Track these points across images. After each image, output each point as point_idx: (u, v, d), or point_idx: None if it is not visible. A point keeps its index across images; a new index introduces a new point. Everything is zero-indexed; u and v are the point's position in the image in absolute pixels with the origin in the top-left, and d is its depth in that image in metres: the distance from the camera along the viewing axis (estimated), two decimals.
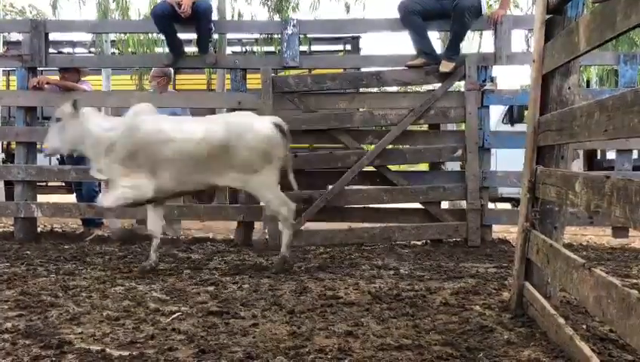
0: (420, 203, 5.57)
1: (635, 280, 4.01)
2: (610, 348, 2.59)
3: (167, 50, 5.91)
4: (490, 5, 8.12)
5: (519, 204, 3.24)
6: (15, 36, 9.42)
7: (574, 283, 2.22)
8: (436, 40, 7.91)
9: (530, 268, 3.09)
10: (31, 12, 15.43)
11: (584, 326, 2.84)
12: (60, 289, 3.66)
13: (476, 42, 10.23)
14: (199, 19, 5.50)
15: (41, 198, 6.46)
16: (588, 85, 10.46)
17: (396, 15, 5.50)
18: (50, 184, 9.35)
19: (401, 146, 5.76)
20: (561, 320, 2.56)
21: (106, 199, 4.35)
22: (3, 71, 9.42)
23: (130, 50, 9.95)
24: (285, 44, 5.60)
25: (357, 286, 3.83)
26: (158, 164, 4.19)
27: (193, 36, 5.95)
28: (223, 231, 6.59)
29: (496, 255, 4.94)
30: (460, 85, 5.91)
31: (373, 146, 5.51)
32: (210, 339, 2.71)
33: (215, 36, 6.75)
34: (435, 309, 3.27)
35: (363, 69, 6.31)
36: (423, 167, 6.95)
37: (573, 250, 4.97)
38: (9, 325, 2.90)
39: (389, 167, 5.63)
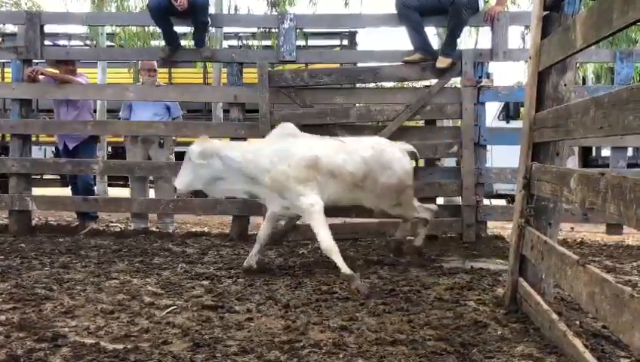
0: (416, 198, 5.57)
1: (628, 277, 4.03)
2: (603, 344, 2.61)
3: (163, 43, 5.89)
4: (487, 1, 8.11)
5: (514, 200, 3.24)
6: (10, 28, 9.36)
7: (568, 279, 2.23)
8: (433, 35, 7.91)
9: (525, 264, 3.10)
10: (26, 4, 15.33)
11: (577, 323, 2.86)
12: (55, 283, 3.66)
13: (473, 38, 10.23)
14: (196, 13, 5.48)
15: (36, 191, 6.44)
16: (584, 82, 10.48)
17: (393, 10, 5.50)
18: (45, 177, 9.32)
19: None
20: (555, 316, 2.58)
21: None
22: None
23: (125, 42, 9.91)
24: (282, 38, 5.58)
25: None
26: None
27: (190, 29, 5.93)
28: (218, 226, 6.59)
29: (490, 251, 4.96)
30: (456, 81, 5.91)
31: None
32: (205, 333, 2.72)
33: (212, 30, 6.73)
34: (430, 304, 3.29)
35: (360, 65, 6.30)
36: (419, 163, 6.95)
37: (568, 246, 4.99)
38: (3, 318, 2.90)
39: None
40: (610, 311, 1.79)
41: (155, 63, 6.19)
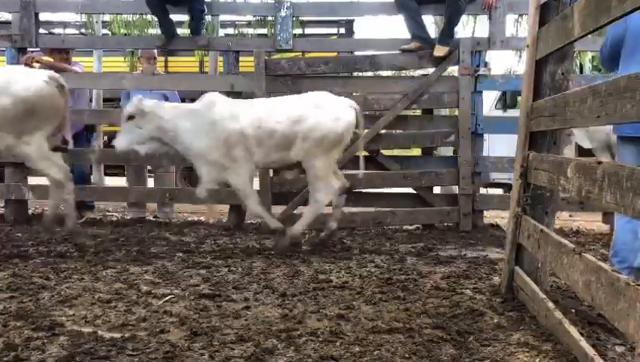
0: (413, 188, 5.58)
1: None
2: (599, 332, 2.63)
3: (159, 31, 5.85)
4: None
5: (511, 189, 3.25)
6: (5, 16, 9.27)
7: (564, 268, 2.24)
8: (431, 24, 7.88)
9: (521, 253, 3.11)
10: None
11: (573, 311, 2.87)
12: (52, 272, 3.65)
13: (470, 27, 10.17)
14: (192, 1, 5.44)
15: (33, 180, 6.41)
16: (581, 71, 10.45)
17: None
18: None
19: (394, 131, 5.75)
20: (551, 305, 2.59)
21: None
22: None
23: (122, 31, 9.83)
24: (279, 26, 5.55)
25: (349, 270, 3.85)
26: None
27: (186, 18, 5.90)
28: (215, 215, 6.58)
29: (487, 240, 4.97)
30: (453, 70, 5.90)
31: (366, 131, 5.49)
32: (202, 322, 2.72)
33: (208, 18, 6.68)
34: (426, 293, 3.30)
35: (357, 53, 6.27)
36: (416, 152, 6.96)
37: (564, 235, 5.01)
38: (0, 307, 2.90)
39: (381, 151, 5.63)
40: (605, 299, 1.80)
41: (155, 52, 6.15)
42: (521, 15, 8.05)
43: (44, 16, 8.15)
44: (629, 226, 2.99)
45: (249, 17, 9.45)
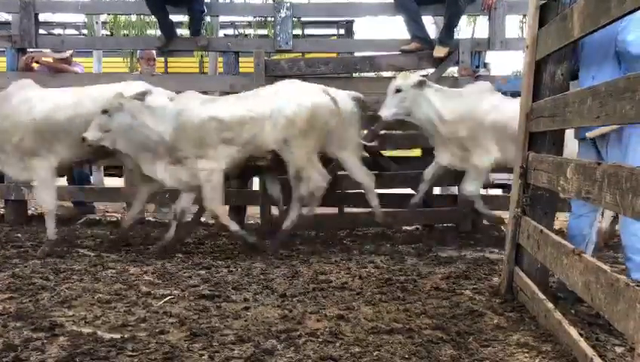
0: (412, 188, 5.57)
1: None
2: (598, 332, 2.63)
3: (159, 32, 5.85)
4: None
5: (510, 190, 3.25)
6: (4, 16, 9.29)
7: (564, 268, 2.24)
8: (430, 24, 7.88)
9: (521, 253, 3.12)
10: None
11: (573, 311, 2.87)
12: (51, 272, 3.65)
13: (470, 27, 10.19)
14: (192, 1, 5.44)
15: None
16: None
17: None
18: None
19: (394, 132, 5.74)
20: (551, 305, 2.59)
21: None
22: None
23: (123, 32, 9.84)
24: (278, 27, 5.55)
25: (348, 271, 3.84)
26: None
27: (185, 18, 5.90)
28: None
29: (487, 240, 4.97)
30: (453, 71, 5.90)
31: (365, 131, 5.49)
32: (202, 322, 2.72)
33: (207, 18, 6.69)
34: (426, 293, 3.30)
35: (356, 54, 6.26)
36: (416, 152, 6.96)
37: (563, 236, 5.00)
38: (0, 307, 2.90)
39: (381, 152, 5.63)
40: (605, 299, 1.80)
41: (154, 53, 6.16)
42: (525, 16, 8.05)
43: (44, 17, 8.16)
44: (577, 221, 3.25)
45: (249, 18, 9.47)
